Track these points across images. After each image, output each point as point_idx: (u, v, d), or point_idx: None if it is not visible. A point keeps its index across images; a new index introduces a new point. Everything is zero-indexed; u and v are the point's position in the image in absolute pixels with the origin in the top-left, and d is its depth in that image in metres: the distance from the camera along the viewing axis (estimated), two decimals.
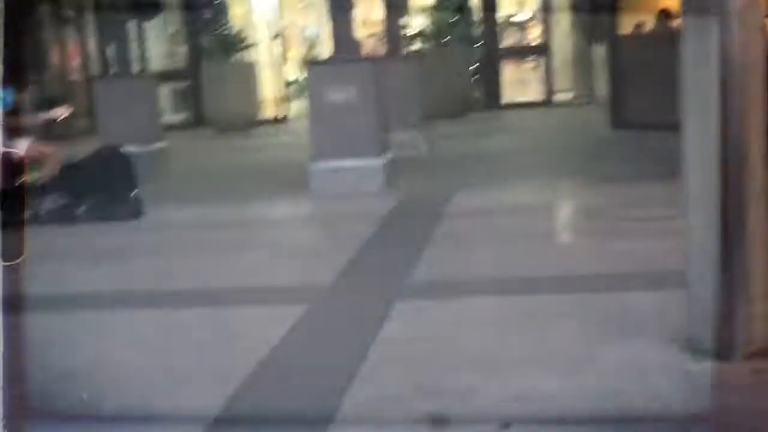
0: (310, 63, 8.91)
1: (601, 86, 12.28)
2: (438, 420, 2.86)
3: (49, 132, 8.56)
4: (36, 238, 6.30)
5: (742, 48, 2.97)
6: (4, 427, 2.55)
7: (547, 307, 3.98)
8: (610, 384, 3.04)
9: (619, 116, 10.46)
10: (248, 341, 3.81)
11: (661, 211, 5.55)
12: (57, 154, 7.46)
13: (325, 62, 9.82)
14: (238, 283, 4.87)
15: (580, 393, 3.00)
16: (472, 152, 10.16)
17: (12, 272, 2.85)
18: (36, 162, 7.58)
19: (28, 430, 3.47)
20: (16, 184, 7.05)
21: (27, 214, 6.69)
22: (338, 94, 7.55)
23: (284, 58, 20.31)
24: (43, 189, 7.07)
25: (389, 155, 7.94)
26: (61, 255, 5.68)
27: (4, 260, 5.25)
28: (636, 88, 10.04)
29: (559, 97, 15.92)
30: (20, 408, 2.88)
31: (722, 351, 3.07)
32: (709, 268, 3.08)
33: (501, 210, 6.42)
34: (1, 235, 2.95)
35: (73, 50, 15.99)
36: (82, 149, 8.16)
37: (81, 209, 6.70)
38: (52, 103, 8.14)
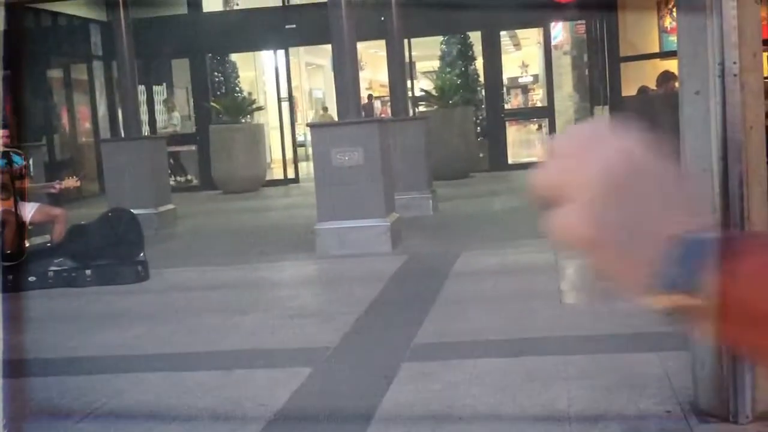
0: (316, 125, 9.01)
1: None
2: None
3: (57, 195, 8.64)
4: (42, 301, 6.34)
5: (743, 109, 3.02)
6: (4, 427, 2.54)
7: (551, 369, 3.97)
8: None
9: None
10: (252, 404, 3.80)
11: None
12: (64, 217, 7.53)
13: (331, 124, 9.94)
14: (243, 345, 4.87)
15: None
16: (477, 212, 10.21)
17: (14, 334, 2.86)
18: (44, 225, 7.65)
19: (28, 430, 3.45)
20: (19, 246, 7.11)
21: (35, 276, 6.73)
22: (344, 156, 7.63)
23: (292, 120, 20.59)
24: (50, 251, 7.12)
25: (395, 215, 7.99)
26: (66, 318, 5.70)
27: (5, 260, 5.24)
28: None
29: None
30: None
31: (727, 413, 3.05)
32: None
33: (506, 270, 6.43)
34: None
35: (83, 113, 16.20)
36: (90, 211, 8.23)
37: (88, 272, 6.73)
38: (62, 168, 8.23)
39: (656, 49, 11.68)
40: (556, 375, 3.86)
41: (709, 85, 3.04)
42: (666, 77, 10.19)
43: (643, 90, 11.11)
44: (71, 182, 7.78)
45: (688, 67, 3.19)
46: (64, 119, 15.84)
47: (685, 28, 3.23)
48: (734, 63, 2.98)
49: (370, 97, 18.90)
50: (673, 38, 10.50)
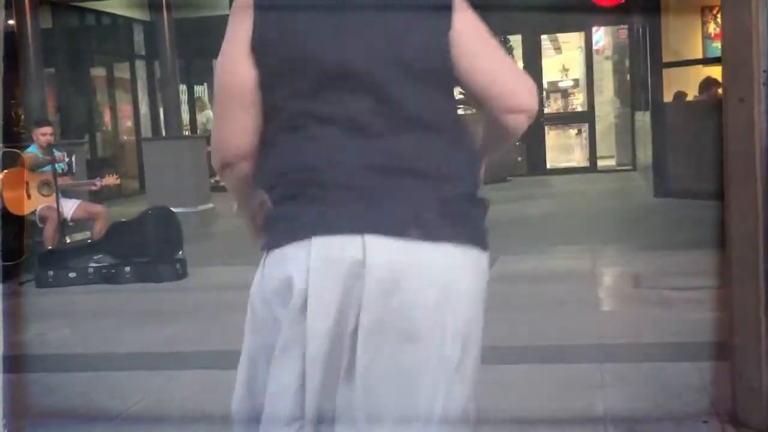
0: None
1: (645, 153, 12.26)
2: None
3: (98, 192, 8.76)
4: (81, 297, 6.43)
5: None
6: (4, 426, 2.56)
7: (587, 376, 3.94)
8: None
9: (662, 184, 10.43)
10: None
11: (702, 280, 5.49)
12: (105, 214, 7.63)
13: None
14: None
15: None
16: (515, 217, 10.15)
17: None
18: (85, 221, 7.76)
19: (28, 430, 3.49)
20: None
21: (75, 272, 6.83)
22: None
23: None
24: (91, 248, 7.21)
25: None
26: (104, 314, 5.78)
27: (5, 260, 5.37)
28: (679, 156, 10.03)
29: (602, 163, 15.91)
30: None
31: (766, 425, 3.01)
32: (753, 340, 3.04)
33: (543, 276, 6.39)
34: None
35: (124, 111, 16.40)
36: (130, 209, 8.33)
37: (128, 269, 6.81)
38: (103, 166, 8.35)
39: (699, 55, 11.53)
40: (592, 382, 3.83)
41: (754, 93, 3.00)
42: (708, 83, 10.07)
43: (678, 96, 10.99)
44: (111, 180, 7.87)
45: (732, 74, 3.16)
46: (107, 117, 16.05)
47: (729, 34, 3.19)
48: None
49: None
50: (717, 44, 10.37)
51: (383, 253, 1.61)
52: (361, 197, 1.63)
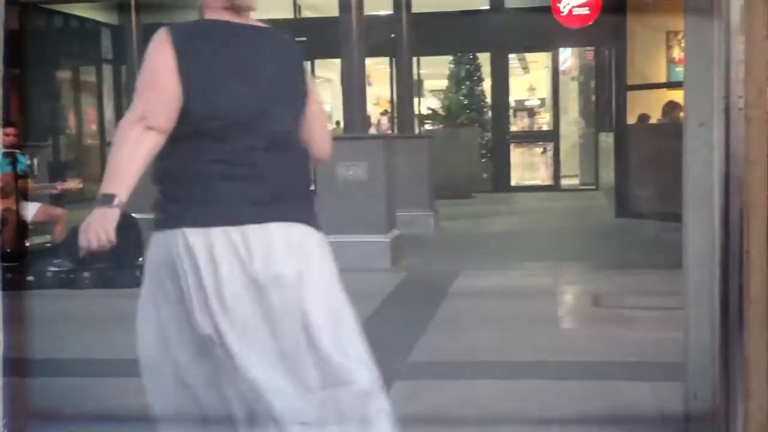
0: None
1: (608, 174, 12.40)
2: None
3: (60, 195, 8.66)
4: (38, 302, 6.34)
5: (746, 143, 3.02)
6: (4, 426, 2.55)
7: (544, 393, 3.96)
8: None
9: (624, 204, 10.55)
10: None
11: (661, 300, 5.56)
12: (66, 218, 7.54)
13: (336, 138, 9.96)
14: None
15: None
16: (478, 233, 10.21)
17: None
18: (45, 225, 7.66)
19: (28, 430, 3.46)
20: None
21: (33, 276, 6.73)
22: (348, 170, 7.64)
23: None
24: (50, 252, 7.12)
25: (396, 232, 7.99)
26: (59, 320, 5.70)
27: (4, 261, 5.33)
28: (641, 177, 10.15)
29: (566, 182, 16.06)
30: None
31: None
32: (708, 362, 3.08)
33: (504, 292, 6.43)
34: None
35: (90, 115, 16.25)
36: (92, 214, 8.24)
37: (87, 274, 6.73)
38: (66, 169, 8.26)
39: (664, 79, 11.70)
40: (549, 400, 3.86)
41: (714, 118, 3.05)
42: (671, 107, 10.22)
43: (642, 118, 11.13)
44: (73, 184, 7.79)
45: (694, 98, 3.21)
46: (71, 121, 15.89)
47: (692, 60, 3.25)
48: (739, 97, 2.99)
49: (383, 113, 18.92)
50: (681, 69, 10.53)
51: (259, 233, 2.34)
52: (247, 196, 2.36)
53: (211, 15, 2.42)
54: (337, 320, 2.50)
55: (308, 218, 2.49)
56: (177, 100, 2.30)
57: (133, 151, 2.32)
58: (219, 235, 2.31)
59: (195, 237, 2.32)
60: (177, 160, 2.37)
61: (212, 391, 2.37)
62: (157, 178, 2.46)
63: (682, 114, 3.37)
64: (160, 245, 2.42)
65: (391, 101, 17.36)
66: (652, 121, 11.04)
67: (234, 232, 2.32)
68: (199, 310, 2.33)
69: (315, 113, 2.56)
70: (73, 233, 7.11)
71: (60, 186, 7.68)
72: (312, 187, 2.65)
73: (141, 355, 2.58)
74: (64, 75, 15.90)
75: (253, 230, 2.33)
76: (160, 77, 2.32)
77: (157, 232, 2.43)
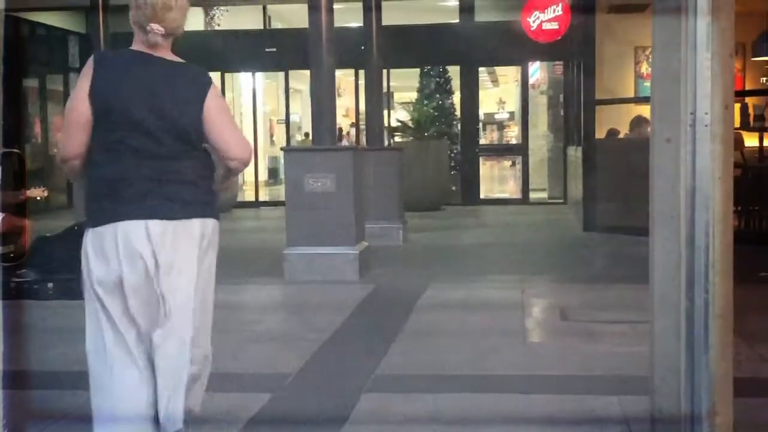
0: (290, 149, 9.01)
1: (575, 188, 12.48)
2: None
3: (24, 205, 8.52)
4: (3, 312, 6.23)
5: (712, 159, 3.05)
6: (4, 426, 2.53)
7: (512, 407, 3.96)
8: None
9: (591, 218, 10.62)
10: (210, 428, 3.76)
11: (628, 314, 5.60)
12: (29, 229, 7.43)
13: (305, 149, 9.95)
14: None
15: None
16: (447, 245, 10.22)
17: None
18: (7, 235, 7.54)
19: (28, 430, 3.41)
20: None
21: None
22: (316, 182, 7.62)
23: (267, 143, 20.53)
24: (12, 263, 7.01)
25: (365, 244, 7.98)
26: (18, 331, 5.61)
27: (5, 261, 5.35)
28: (609, 191, 10.23)
29: (534, 195, 16.15)
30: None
31: None
32: (674, 376, 3.10)
33: (472, 305, 6.43)
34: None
35: (56, 124, 16.07)
36: (56, 224, 8.14)
37: (50, 285, 6.64)
38: (31, 178, 8.14)
39: (632, 94, 11.83)
40: (516, 414, 3.85)
41: (681, 134, 3.08)
42: (638, 122, 10.31)
43: (611, 133, 11.23)
44: (37, 192, 7.68)
45: (660, 114, 3.23)
46: (37, 129, 15.71)
47: (659, 75, 3.27)
48: (706, 113, 3.02)
49: (352, 125, 18.94)
50: (648, 84, 10.64)
51: (158, 228, 2.93)
52: (145, 197, 2.93)
53: (134, 47, 3.04)
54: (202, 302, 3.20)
55: (205, 213, 3.07)
56: (88, 121, 2.93)
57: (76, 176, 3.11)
58: (127, 227, 2.91)
59: (107, 230, 2.93)
60: (93, 170, 3.00)
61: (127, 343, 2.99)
62: (85, 185, 3.09)
63: (649, 129, 3.38)
64: (89, 238, 2.99)
65: (356, 113, 17.38)
66: (621, 135, 11.14)
67: (137, 225, 2.91)
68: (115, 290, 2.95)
69: (214, 126, 3.02)
70: (37, 244, 7.04)
71: (25, 194, 7.57)
72: (213, 186, 3.13)
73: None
74: (30, 83, 15.72)
75: (154, 224, 2.92)
76: (76, 106, 2.94)
77: (88, 228, 3.00)
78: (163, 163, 2.95)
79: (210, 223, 3.08)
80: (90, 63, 2.97)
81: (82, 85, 2.92)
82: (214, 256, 3.18)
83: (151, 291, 2.93)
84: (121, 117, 2.91)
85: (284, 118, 17.45)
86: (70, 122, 2.96)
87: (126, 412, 2.97)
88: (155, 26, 2.96)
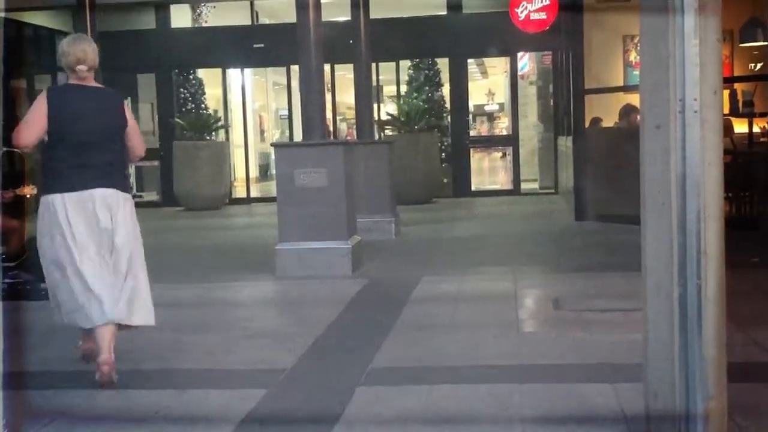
0: (280, 145, 8.98)
1: (566, 177, 12.50)
2: None
3: (15, 206, 8.50)
4: None
5: (702, 145, 3.05)
6: (4, 427, 2.54)
7: (507, 397, 3.96)
8: None
9: (583, 207, 10.64)
10: (205, 425, 3.76)
11: (621, 302, 5.61)
12: (20, 229, 7.41)
13: (295, 144, 9.91)
14: (198, 364, 4.82)
15: None
16: (439, 238, 10.23)
17: None
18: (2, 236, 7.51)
19: (28, 430, 3.41)
20: None
21: None
22: (307, 177, 7.61)
23: (258, 138, 20.47)
24: (4, 264, 6.99)
25: (357, 238, 7.97)
26: (16, 332, 5.59)
27: (5, 260, 5.40)
28: (600, 180, 10.24)
29: (526, 186, 16.17)
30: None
31: None
32: (668, 363, 3.10)
33: (465, 297, 6.44)
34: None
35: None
36: None
37: (42, 286, 6.60)
38: (21, 178, 8.10)
39: (621, 83, 11.82)
40: (511, 403, 3.86)
41: (670, 121, 3.08)
42: (628, 110, 10.33)
43: (595, 121, 11.24)
44: (27, 189, 7.65)
45: (650, 101, 3.23)
46: None
47: (647, 63, 3.27)
48: (695, 99, 3.02)
49: (336, 120, 18.91)
50: (637, 72, 10.63)
51: (101, 194, 4.47)
52: (102, 175, 4.50)
53: (70, 81, 4.59)
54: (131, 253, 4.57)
55: (122, 187, 4.57)
56: (43, 129, 4.40)
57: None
58: (72, 196, 4.40)
59: (57, 198, 4.41)
60: (50, 156, 4.47)
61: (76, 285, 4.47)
62: (42, 167, 4.57)
63: (639, 117, 3.38)
64: (46, 203, 4.46)
65: (333, 107, 17.31)
66: (609, 124, 11.15)
67: (81, 194, 4.41)
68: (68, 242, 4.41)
69: (130, 133, 4.66)
70: (30, 245, 7.00)
71: (11, 193, 7.54)
72: (127, 171, 4.84)
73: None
74: (17, 83, 15.65)
75: (90, 193, 4.42)
76: (35, 117, 4.41)
77: (43, 196, 4.48)
78: (105, 155, 4.51)
79: (121, 193, 4.56)
80: (43, 95, 4.46)
81: (40, 106, 4.42)
82: (131, 209, 4.63)
83: (108, 228, 4.46)
84: (73, 128, 4.44)
85: (286, 113, 17.40)
86: (31, 124, 4.43)
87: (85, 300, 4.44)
88: (81, 67, 4.53)
